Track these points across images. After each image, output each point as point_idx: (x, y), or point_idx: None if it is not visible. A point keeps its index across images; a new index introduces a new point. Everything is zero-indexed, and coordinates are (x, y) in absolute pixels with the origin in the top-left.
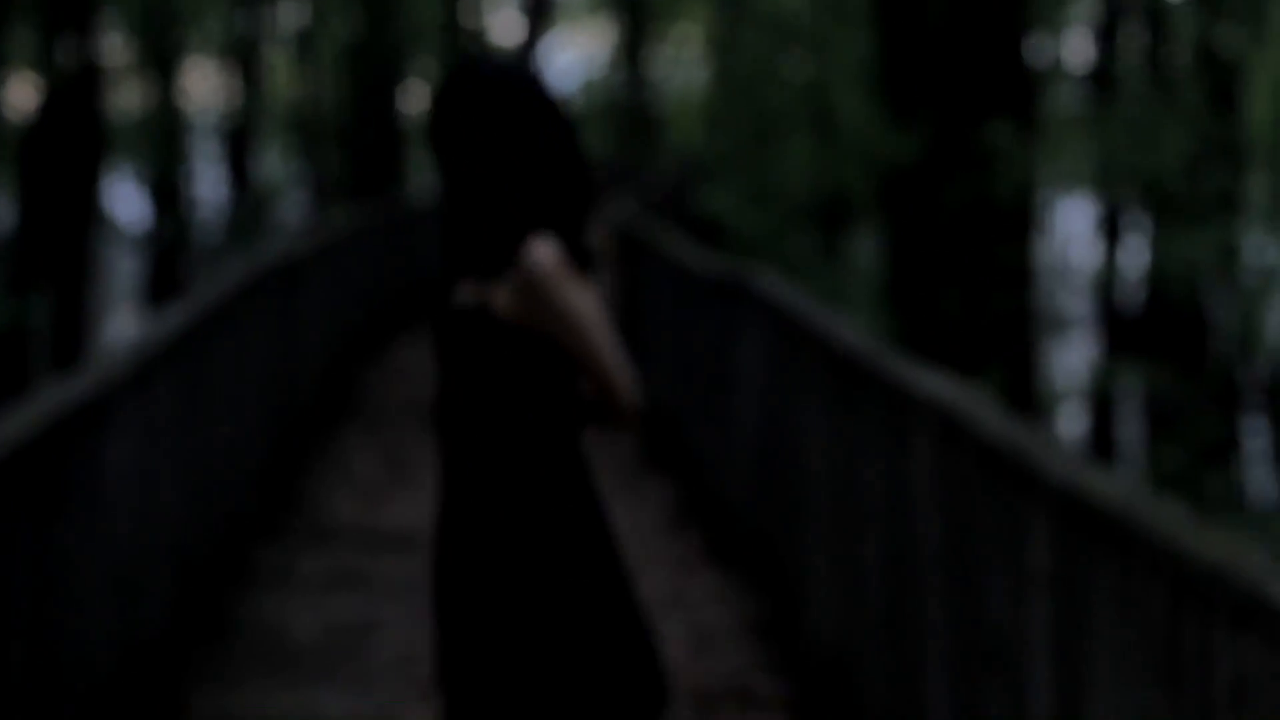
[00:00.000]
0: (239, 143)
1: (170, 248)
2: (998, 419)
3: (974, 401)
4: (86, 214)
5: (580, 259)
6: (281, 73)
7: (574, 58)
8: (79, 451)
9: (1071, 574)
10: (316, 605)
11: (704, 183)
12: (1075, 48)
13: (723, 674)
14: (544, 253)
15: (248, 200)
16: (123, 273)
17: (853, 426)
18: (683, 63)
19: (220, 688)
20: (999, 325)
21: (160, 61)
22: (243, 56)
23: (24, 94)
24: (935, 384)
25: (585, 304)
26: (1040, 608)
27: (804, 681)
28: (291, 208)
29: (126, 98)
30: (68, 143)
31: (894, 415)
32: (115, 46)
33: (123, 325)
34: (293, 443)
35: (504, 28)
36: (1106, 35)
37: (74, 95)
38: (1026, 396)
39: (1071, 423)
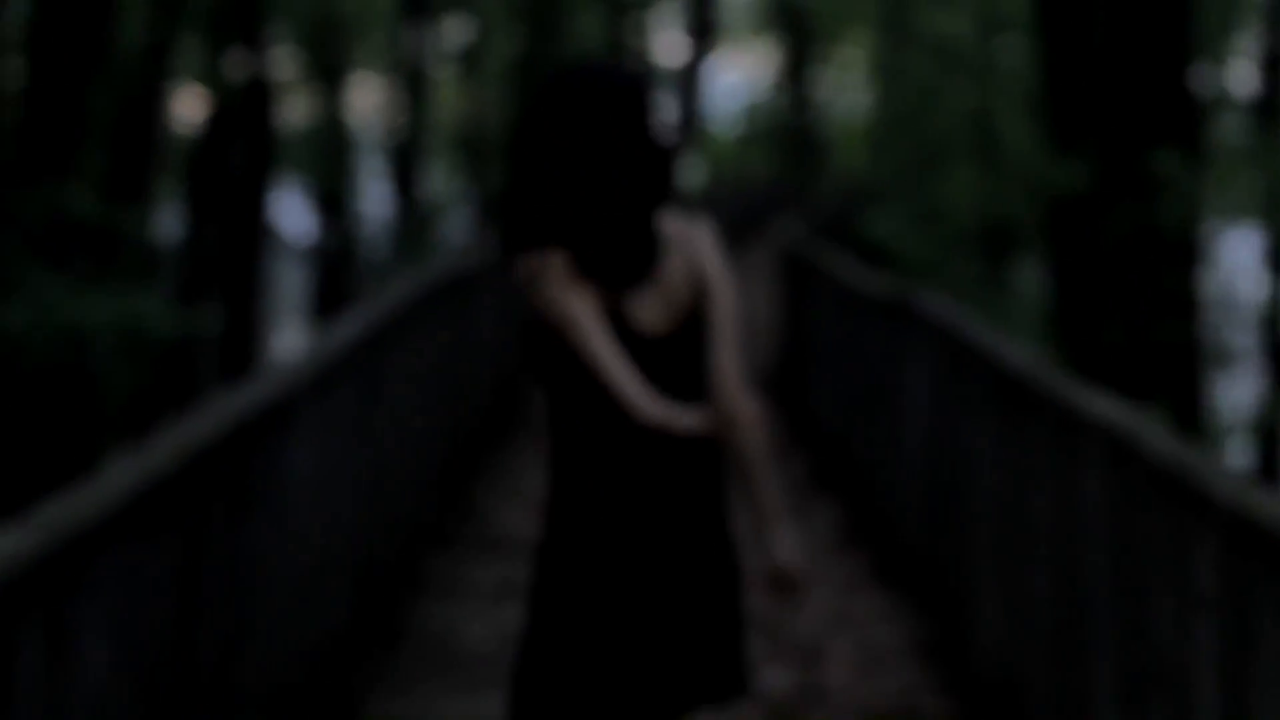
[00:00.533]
0: (404, 159)
1: (337, 262)
2: (1167, 440)
3: (1142, 423)
4: (255, 227)
5: (605, 271)
6: (447, 89)
7: (738, 79)
8: (264, 455)
9: (1239, 596)
10: (486, 614)
11: (868, 207)
12: (1240, 77)
13: (890, 693)
14: (526, 259)
15: (413, 216)
16: (290, 285)
17: (1021, 447)
18: (847, 86)
19: (391, 692)
20: (1164, 356)
21: (326, 76)
22: (408, 72)
23: (192, 107)
24: (1104, 405)
25: (567, 312)
26: (1207, 630)
27: (971, 702)
28: (456, 224)
29: (293, 112)
30: (236, 156)
31: (1063, 436)
32: (282, 60)
33: (291, 337)
34: (464, 453)
35: (668, 48)
36: (1272, 65)
37: (243, 108)
38: (1193, 429)
39: (1238, 457)
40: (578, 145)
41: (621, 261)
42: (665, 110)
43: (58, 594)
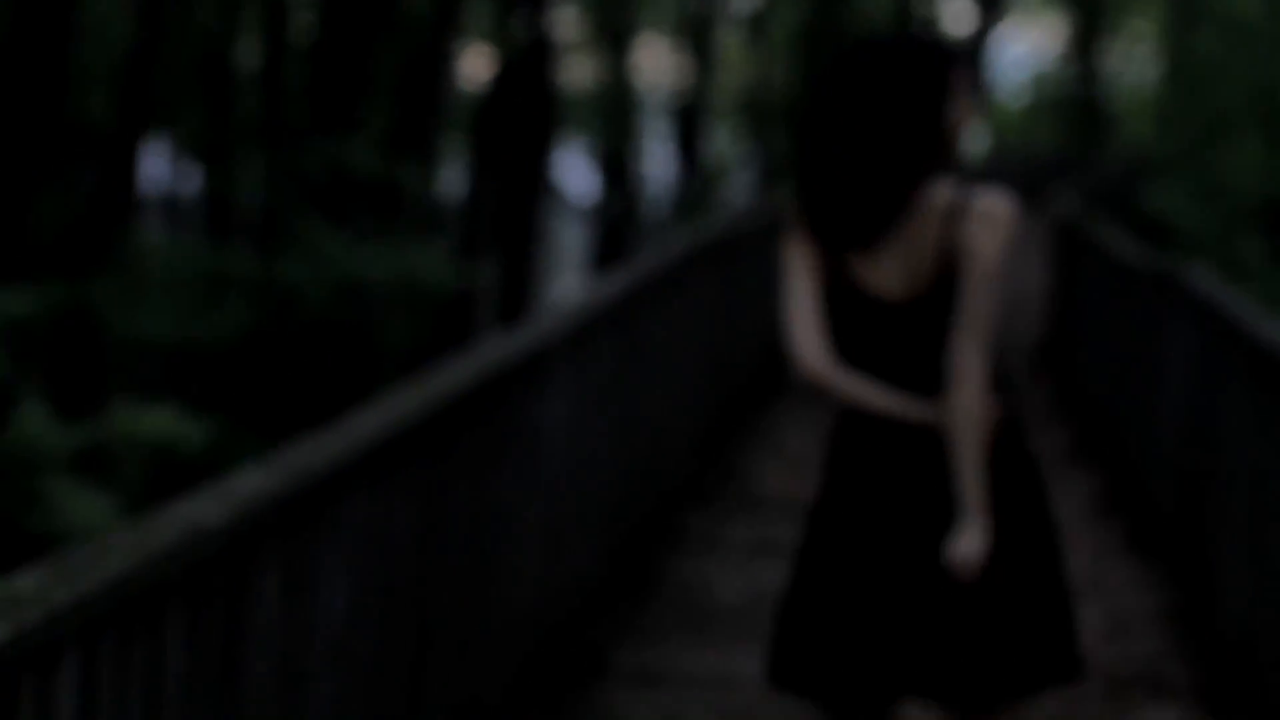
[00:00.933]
0: (689, 122)
1: (618, 222)
2: None
3: None
4: (536, 184)
5: (822, 229)
6: (733, 53)
7: (1025, 50)
8: (516, 405)
9: None
10: (740, 570)
11: (1151, 179)
12: None
13: (1136, 659)
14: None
15: (696, 179)
16: (571, 244)
17: (1273, 422)
18: (1135, 58)
19: (642, 642)
20: None
21: (613, 37)
22: (695, 35)
23: (479, 65)
24: None
25: (787, 266)
26: None
27: (1215, 670)
28: (739, 188)
29: (579, 73)
30: (519, 114)
31: None
32: (569, 21)
33: (567, 289)
34: (726, 413)
35: (956, 17)
36: None
37: (527, 68)
38: None
39: None
40: (829, 108)
41: (837, 221)
42: (965, 81)
43: (298, 536)
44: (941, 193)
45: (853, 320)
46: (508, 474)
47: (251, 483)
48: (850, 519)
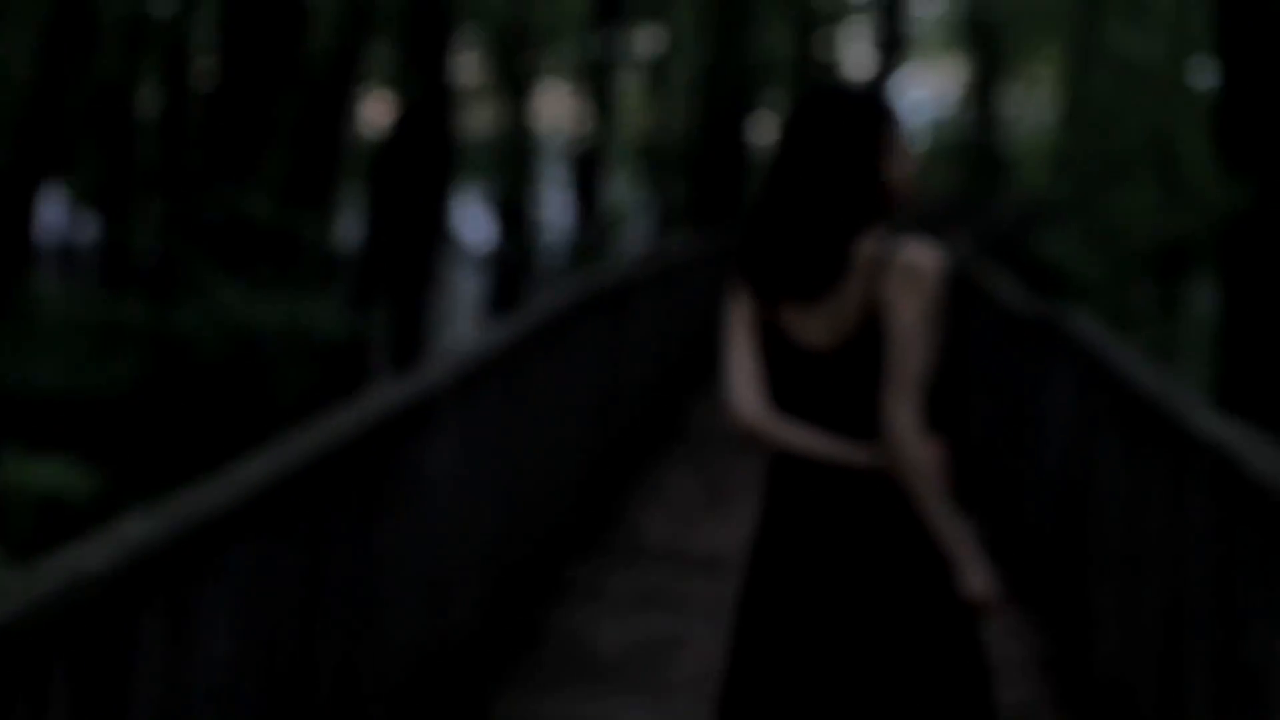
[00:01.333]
0: (587, 168)
1: (514, 269)
2: (1272, 459)
3: (1250, 443)
4: (432, 231)
5: (757, 281)
6: (633, 99)
7: (925, 94)
8: (401, 453)
9: None
10: (624, 622)
11: (1045, 225)
12: None
13: (1010, 706)
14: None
15: (593, 225)
16: (468, 292)
17: (1139, 467)
18: (1033, 103)
19: (526, 695)
20: None
21: (513, 83)
22: (595, 81)
23: (380, 112)
24: (1215, 426)
25: (729, 317)
26: None
27: (1087, 716)
28: (637, 235)
29: (479, 119)
30: (418, 161)
31: (1174, 455)
32: (470, 67)
33: (458, 337)
34: (612, 463)
35: (856, 62)
36: None
37: (426, 114)
38: None
39: None
40: (775, 163)
41: (776, 275)
42: (901, 134)
43: (183, 582)
44: (869, 244)
45: (785, 369)
46: (392, 523)
47: (137, 530)
48: (783, 566)
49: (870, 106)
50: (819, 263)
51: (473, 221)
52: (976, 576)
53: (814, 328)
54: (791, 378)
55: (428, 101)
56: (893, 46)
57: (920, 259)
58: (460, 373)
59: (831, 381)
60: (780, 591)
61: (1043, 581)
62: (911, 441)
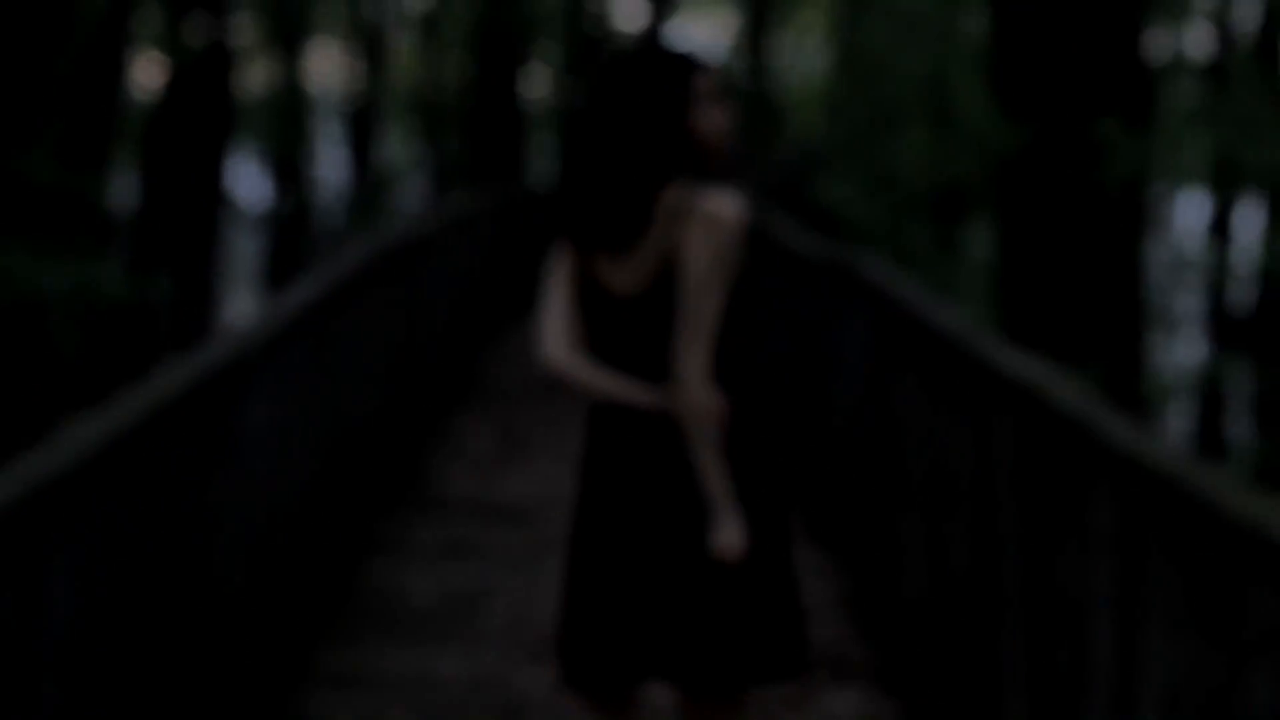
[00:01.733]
0: (361, 125)
1: (291, 229)
2: (1072, 393)
3: (1052, 378)
4: (212, 193)
5: (573, 233)
6: (405, 55)
7: (697, 44)
8: (222, 414)
9: (1132, 536)
10: (430, 572)
11: (821, 171)
12: (1195, 39)
13: (819, 643)
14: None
15: (368, 183)
16: (244, 252)
17: (945, 407)
18: (805, 51)
19: (347, 647)
20: (1108, 319)
21: (285, 41)
22: (367, 38)
23: (151, 73)
24: (1018, 362)
25: (552, 269)
26: (1104, 568)
27: (894, 651)
28: (411, 191)
29: (251, 78)
30: (195, 123)
31: (979, 392)
32: (242, 26)
33: (245, 303)
34: (413, 419)
35: (627, 13)
36: (1223, 26)
37: (202, 74)
38: (1134, 391)
39: (1180, 420)
40: (583, 119)
41: (589, 226)
42: (711, 87)
43: (29, 545)
44: (671, 195)
45: (598, 316)
46: (219, 481)
47: None
48: (601, 507)
49: (679, 61)
50: (626, 215)
51: (248, 181)
52: (727, 529)
53: (621, 276)
54: (602, 324)
55: (204, 61)
56: None
57: (719, 209)
58: (270, 333)
59: (634, 327)
60: (601, 529)
61: (847, 521)
62: (696, 387)
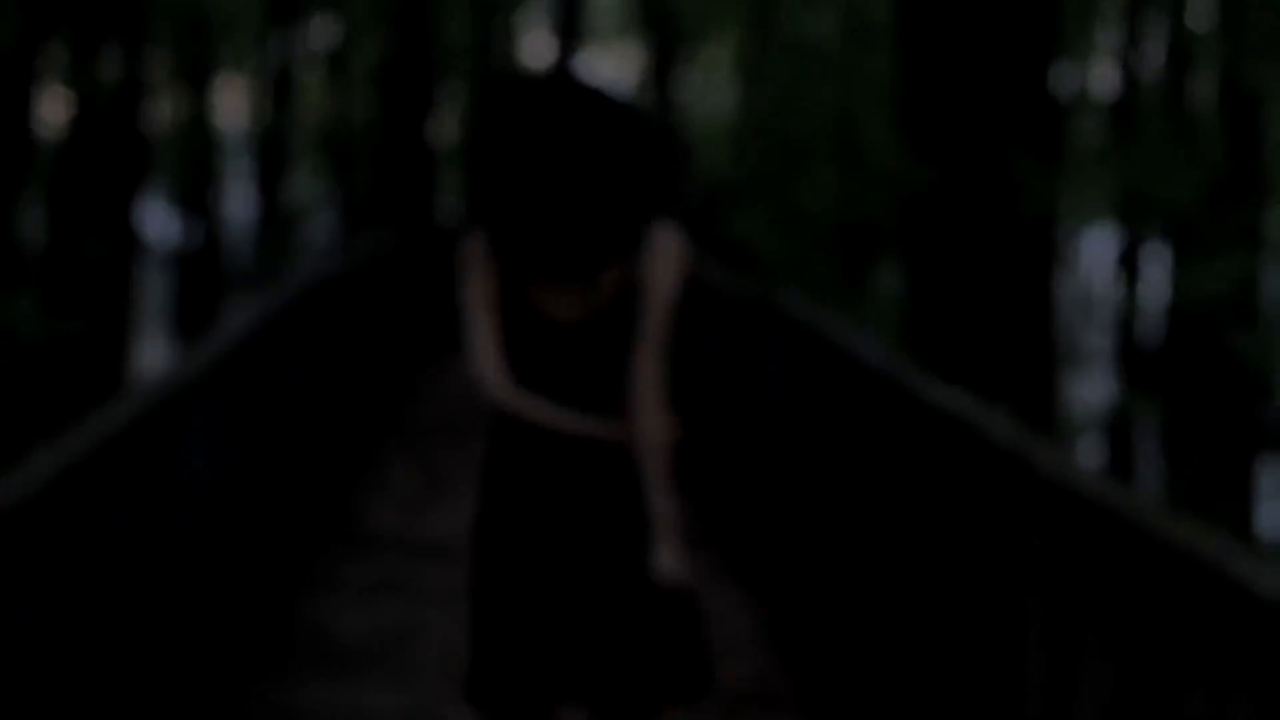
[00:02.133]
0: (270, 161)
1: (200, 266)
2: (1004, 424)
3: (981, 411)
4: (125, 231)
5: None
6: (313, 91)
7: (604, 80)
8: (159, 455)
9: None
10: (365, 609)
11: (729, 206)
12: (1101, 76)
13: (746, 679)
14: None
15: (277, 220)
16: (153, 289)
17: (871, 437)
18: (712, 87)
19: (278, 685)
20: (1019, 356)
21: (194, 78)
22: (275, 75)
23: (56, 110)
24: (946, 395)
25: (469, 289)
26: (1037, 592)
27: (815, 681)
28: (320, 228)
29: (158, 113)
30: (106, 159)
31: (910, 424)
32: (149, 61)
33: (156, 344)
34: (338, 459)
35: (535, 49)
36: (1129, 64)
37: (113, 110)
38: (1047, 427)
39: (1090, 455)
40: (545, 149)
41: (534, 257)
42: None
43: None
44: (656, 227)
45: (528, 342)
46: (153, 518)
47: None
48: (512, 530)
49: (662, 123)
50: (597, 252)
51: (156, 218)
52: (670, 557)
53: (564, 302)
54: (536, 351)
55: (115, 97)
56: (570, 32)
57: (676, 240)
58: (207, 372)
59: (574, 355)
60: (517, 551)
61: (770, 554)
62: (656, 410)
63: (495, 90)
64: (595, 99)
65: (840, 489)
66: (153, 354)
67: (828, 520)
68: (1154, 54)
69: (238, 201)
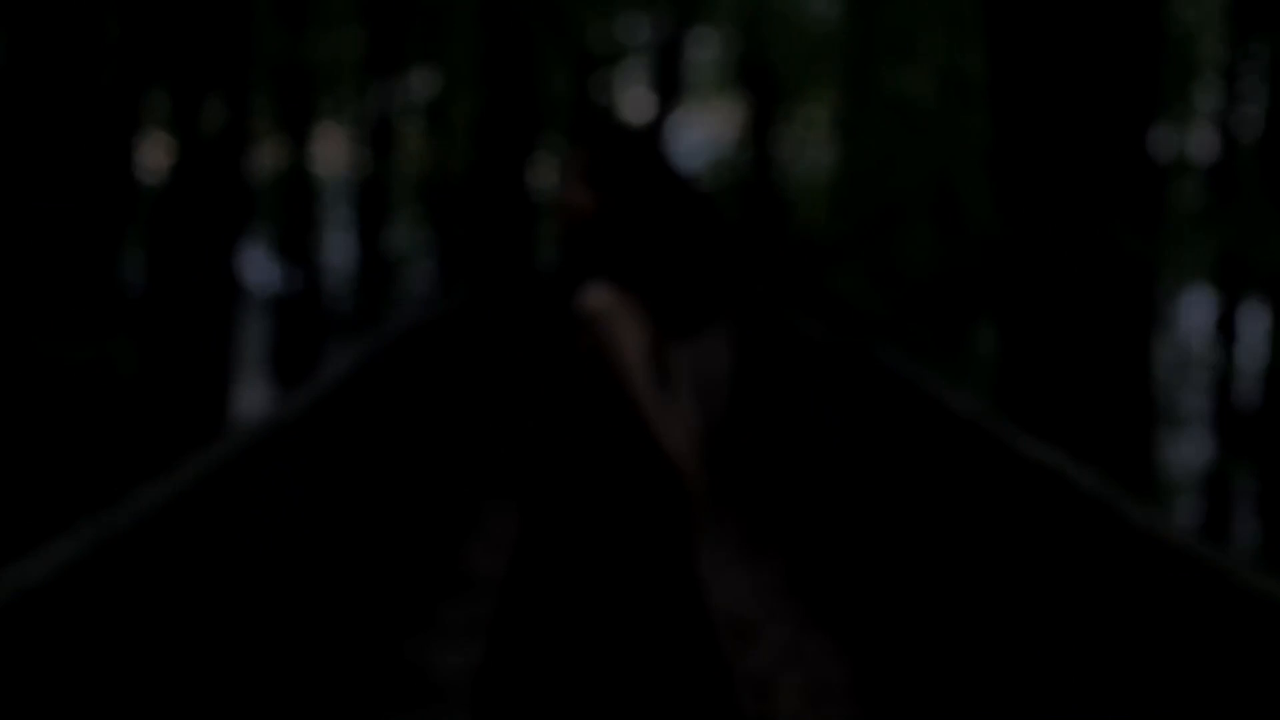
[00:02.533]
0: (369, 210)
1: (299, 312)
2: (1093, 477)
3: (1070, 464)
4: (228, 277)
5: (669, 319)
6: (413, 142)
7: (702, 135)
8: (243, 503)
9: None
10: (459, 648)
11: (828, 262)
12: (1200, 140)
13: None
14: (593, 294)
15: (377, 267)
16: (255, 336)
17: (964, 488)
18: (810, 143)
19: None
20: (1116, 417)
21: (294, 126)
22: (374, 124)
23: (158, 155)
24: (1039, 448)
25: (623, 346)
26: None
27: None
28: (420, 276)
29: (259, 161)
30: (208, 205)
31: (1003, 475)
32: (252, 110)
33: (249, 388)
34: (435, 501)
35: (634, 104)
36: (1228, 127)
37: (215, 157)
38: (1144, 488)
39: (1186, 517)
40: (683, 209)
41: (690, 312)
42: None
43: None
44: None
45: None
46: (254, 549)
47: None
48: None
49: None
50: (719, 309)
51: (257, 265)
52: (662, 434)
53: (670, 358)
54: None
55: (218, 144)
56: (669, 89)
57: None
58: (298, 415)
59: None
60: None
61: (859, 605)
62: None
63: (634, 149)
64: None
65: (933, 542)
66: (252, 398)
67: (919, 572)
68: (1253, 117)
69: (337, 249)
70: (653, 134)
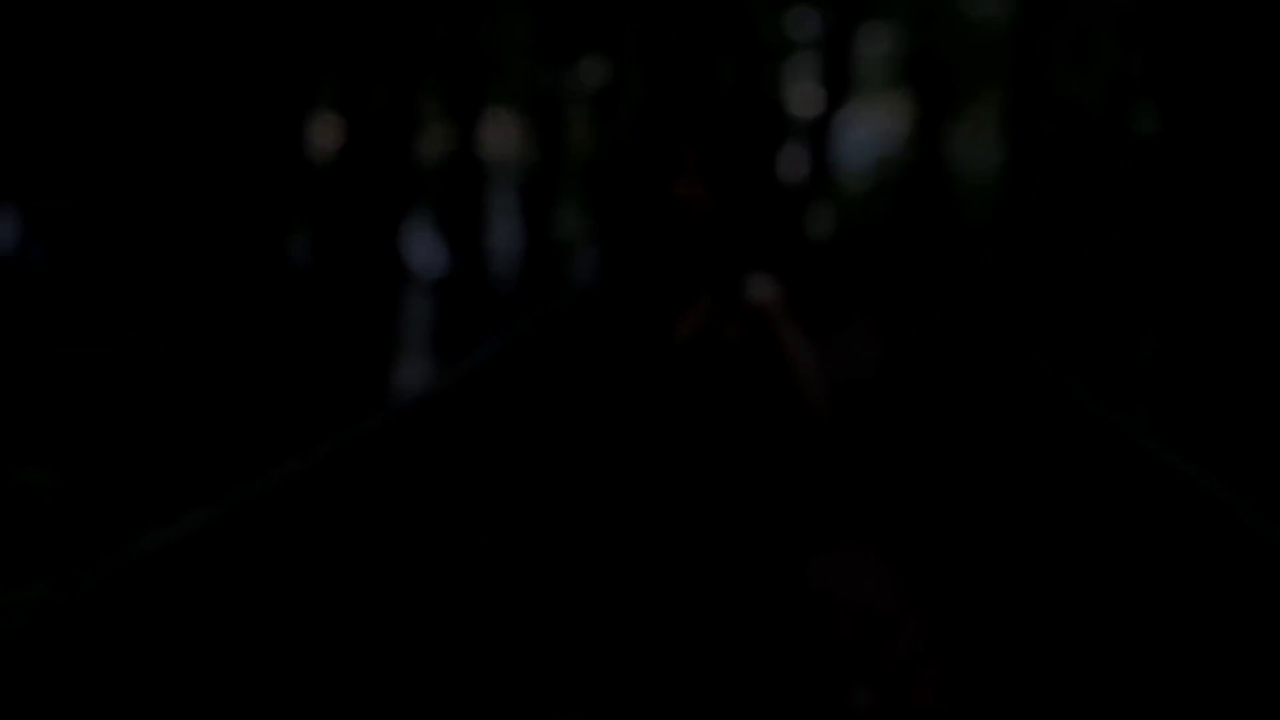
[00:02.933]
0: (535, 196)
1: (464, 294)
2: None
3: None
4: (391, 256)
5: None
6: (579, 129)
7: (869, 132)
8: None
9: None
10: None
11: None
12: None
13: None
14: (761, 285)
15: (543, 253)
16: (417, 316)
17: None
18: (978, 143)
19: None
20: None
21: (462, 112)
22: (542, 111)
23: (328, 135)
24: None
25: (794, 337)
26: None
27: None
28: (585, 263)
29: (428, 145)
30: (375, 186)
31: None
32: (421, 94)
33: (412, 368)
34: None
35: (803, 98)
36: None
37: (384, 140)
38: None
39: None
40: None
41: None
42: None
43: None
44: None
45: None
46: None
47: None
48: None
49: None
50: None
51: (423, 246)
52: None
53: None
54: None
55: (387, 126)
56: (838, 84)
57: None
58: (446, 388)
59: None
60: None
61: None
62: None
63: (744, 143)
64: None
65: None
66: (411, 375)
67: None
68: None
69: (502, 233)
70: (766, 125)
